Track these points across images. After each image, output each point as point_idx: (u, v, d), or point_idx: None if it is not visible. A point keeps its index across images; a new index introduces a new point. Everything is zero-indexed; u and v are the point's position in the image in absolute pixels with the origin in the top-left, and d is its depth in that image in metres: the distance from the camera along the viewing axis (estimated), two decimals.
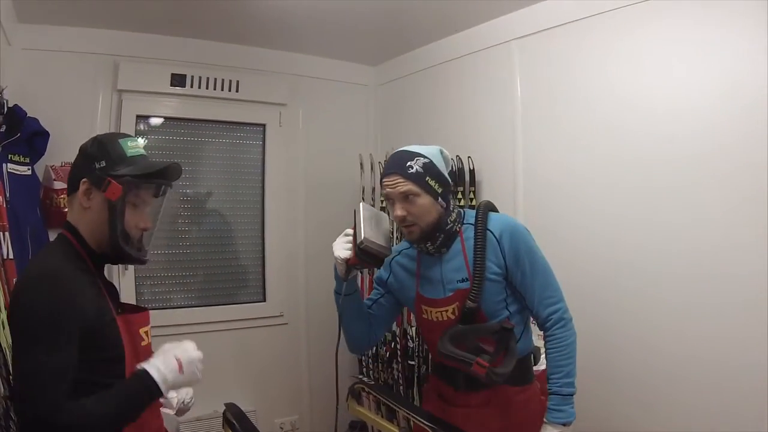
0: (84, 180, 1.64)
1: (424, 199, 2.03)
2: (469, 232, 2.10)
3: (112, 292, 1.73)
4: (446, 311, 2.09)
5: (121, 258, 1.71)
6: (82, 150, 1.69)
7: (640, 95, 2.77)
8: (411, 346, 3.72)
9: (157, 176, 1.70)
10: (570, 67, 3.10)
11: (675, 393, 2.60)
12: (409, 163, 2.03)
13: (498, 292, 2.07)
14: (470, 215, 2.16)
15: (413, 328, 3.67)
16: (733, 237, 2.42)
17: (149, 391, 1.55)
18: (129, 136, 1.75)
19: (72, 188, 1.68)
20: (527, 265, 2.05)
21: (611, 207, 2.88)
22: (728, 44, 2.44)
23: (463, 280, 2.06)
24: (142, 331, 1.68)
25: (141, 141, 1.73)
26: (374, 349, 3.91)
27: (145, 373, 1.55)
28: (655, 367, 2.68)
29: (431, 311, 2.13)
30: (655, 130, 2.69)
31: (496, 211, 2.17)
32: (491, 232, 2.07)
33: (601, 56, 2.95)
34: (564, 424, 1.93)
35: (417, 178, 2.03)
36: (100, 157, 1.65)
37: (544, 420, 1.95)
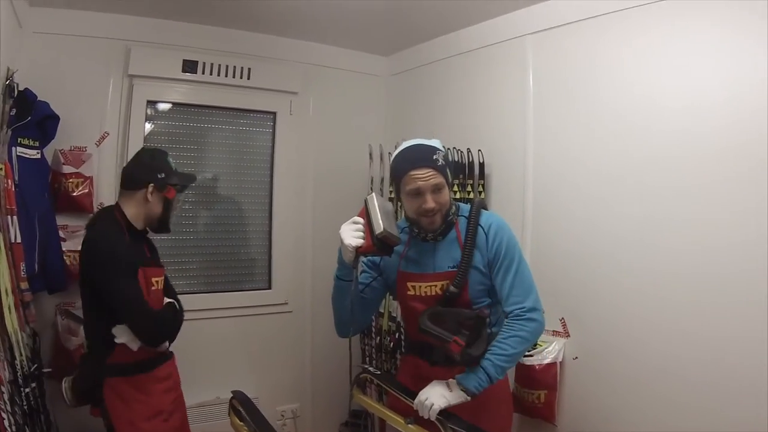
0: (151, 184, 2.57)
1: (446, 190, 2.21)
2: (462, 224, 2.27)
3: (144, 251, 2.67)
4: (435, 286, 2.25)
5: (161, 230, 2.71)
6: (143, 161, 2.65)
7: (654, 93, 2.73)
8: None
9: (189, 183, 2.81)
10: (584, 63, 3.07)
11: (675, 393, 2.58)
12: (434, 156, 2.18)
13: (482, 281, 2.23)
14: (464, 209, 2.34)
15: None
16: (743, 236, 2.38)
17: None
18: (167, 153, 2.73)
19: (131, 185, 2.60)
20: (505, 260, 2.20)
21: (620, 204, 2.85)
22: (744, 43, 2.40)
23: (453, 266, 2.22)
24: (153, 279, 2.60)
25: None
26: (378, 339, 3.91)
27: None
28: (656, 367, 2.66)
29: (419, 286, 2.28)
30: (668, 128, 2.66)
31: (487, 209, 2.35)
32: (481, 226, 2.24)
33: (615, 54, 2.91)
34: (464, 389, 2.06)
35: (443, 170, 2.19)
36: (160, 169, 2.61)
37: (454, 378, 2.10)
